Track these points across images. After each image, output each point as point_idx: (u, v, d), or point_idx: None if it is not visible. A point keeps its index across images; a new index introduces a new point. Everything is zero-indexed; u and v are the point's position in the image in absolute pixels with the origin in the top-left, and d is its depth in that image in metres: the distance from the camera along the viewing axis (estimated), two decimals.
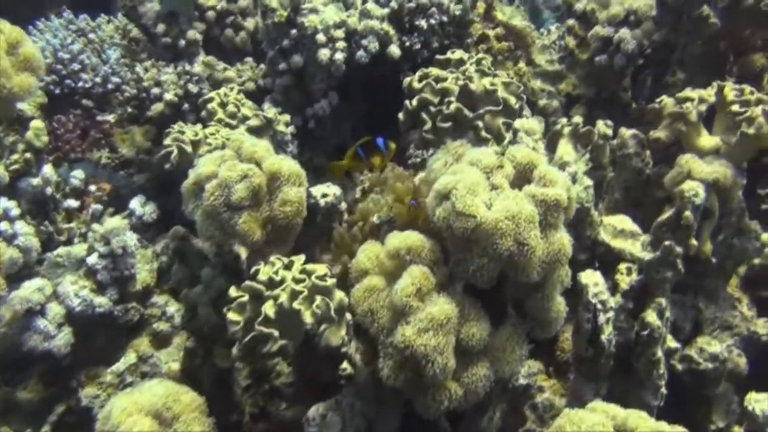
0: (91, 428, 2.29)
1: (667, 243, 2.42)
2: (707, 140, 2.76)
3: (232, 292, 2.17)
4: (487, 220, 1.99)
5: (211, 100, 3.07)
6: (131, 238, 2.95)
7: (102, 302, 2.88)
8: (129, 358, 2.97)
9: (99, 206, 3.11)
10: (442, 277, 2.12)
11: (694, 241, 2.56)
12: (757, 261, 2.94)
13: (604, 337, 2.37)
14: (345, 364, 2.51)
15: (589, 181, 2.58)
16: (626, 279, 2.55)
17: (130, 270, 2.99)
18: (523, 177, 2.17)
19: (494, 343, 2.12)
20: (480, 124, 2.63)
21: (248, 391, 2.92)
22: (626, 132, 2.93)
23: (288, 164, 2.31)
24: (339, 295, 2.19)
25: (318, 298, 2.12)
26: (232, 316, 2.13)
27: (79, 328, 2.87)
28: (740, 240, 2.78)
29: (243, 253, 2.58)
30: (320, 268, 2.19)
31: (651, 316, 2.40)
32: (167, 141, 2.84)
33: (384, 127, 3.31)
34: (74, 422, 2.93)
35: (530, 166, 2.15)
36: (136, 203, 3.28)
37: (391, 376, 2.09)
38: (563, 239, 2.09)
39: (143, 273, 3.12)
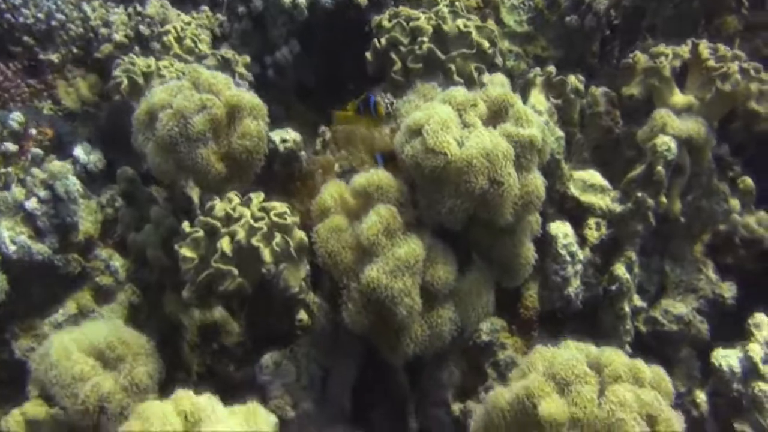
0: (25, 383, 2.19)
1: (639, 194, 2.42)
2: (680, 98, 2.77)
3: (186, 227, 2.09)
4: (460, 157, 1.95)
5: (166, 33, 2.96)
6: (74, 183, 2.83)
7: (41, 249, 2.75)
8: (68, 309, 2.84)
9: (39, 151, 2.97)
10: (410, 218, 2.08)
11: (664, 199, 2.56)
12: (722, 227, 2.96)
13: (571, 290, 2.36)
14: (302, 314, 2.45)
15: (560, 132, 2.56)
16: (595, 234, 2.53)
17: (72, 217, 2.86)
18: (497, 116, 2.15)
19: (461, 288, 2.10)
20: (452, 66, 2.59)
21: (196, 350, 2.85)
22: (597, 90, 2.92)
23: (248, 96, 2.24)
24: (299, 234, 2.14)
25: (277, 236, 2.06)
26: (185, 252, 2.06)
27: (14, 276, 2.74)
28: (709, 201, 2.80)
29: (195, 194, 2.50)
30: (280, 206, 2.13)
31: (620, 270, 2.40)
32: (117, 72, 2.72)
33: (349, 79, 3.27)
34: (6, 377, 2.80)
35: (505, 105, 2.12)
36: (80, 151, 3.14)
37: (354, 320, 2.04)
38: (537, 181, 2.07)
39: (87, 223, 2.98)
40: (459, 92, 2.14)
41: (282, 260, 2.07)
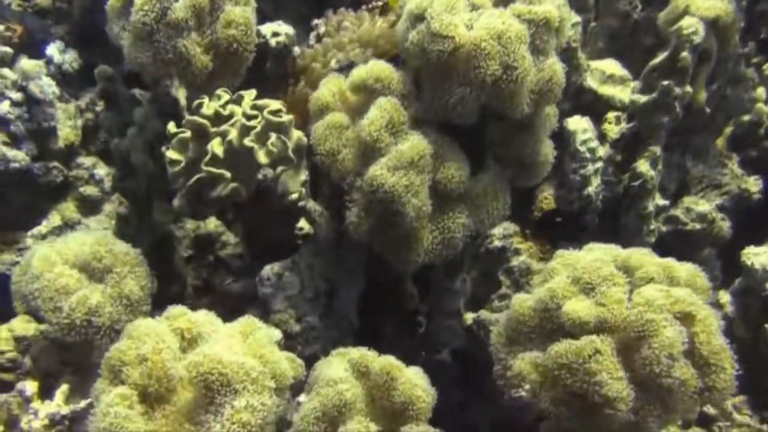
0: (8, 298, 2.09)
1: (665, 83, 2.26)
2: None
3: (171, 128, 1.94)
4: (468, 41, 1.80)
5: None
6: (49, 84, 2.67)
7: (17, 156, 2.61)
8: (52, 220, 2.73)
9: (8, 49, 2.79)
10: (415, 112, 1.94)
11: (689, 88, 2.40)
12: (746, 118, 2.81)
13: (591, 190, 2.24)
14: (302, 223, 2.33)
15: (576, 17, 2.38)
16: (615, 128, 2.40)
17: (49, 122, 2.72)
18: None
19: (475, 189, 1.98)
20: None
21: (191, 263, 2.75)
22: None
23: None
24: (297, 134, 2.00)
25: (273, 136, 1.91)
26: (171, 154, 1.92)
27: None
28: (735, 90, 2.65)
29: (182, 94, 2.34)
30: (273, 103, 1.98)
31: (644, 166, 2.27)
32: None
33: None
34: None
35: None
36: (53, 50, 2.96)
37: (358, 225, 1.93)
38: (556, 66, 1.92)
39: (66, 129, 2.84)
40: None
41: (279, 162, 1.93)
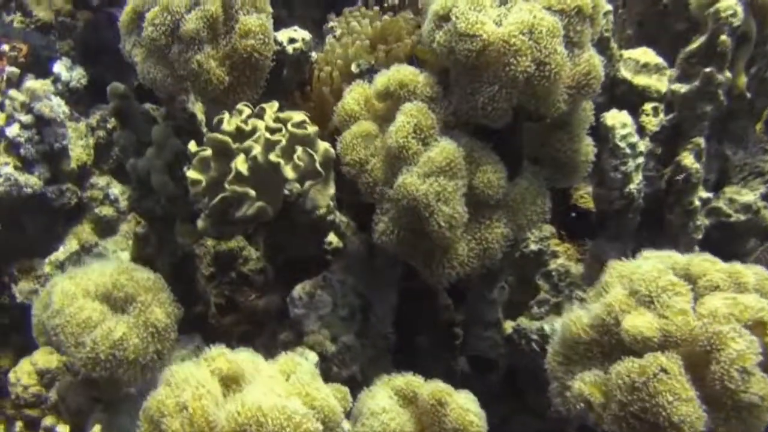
0: (29, 328, 2.03)
1: (707, 70, 2.16)
2: None
3: (192, 147, 1.86)
4: (497, 38, 1.71)
5: None
6: (58, 104, 2.60)
7: (30, 181, 2.55)
8: (70, 246, 2.67)
9: (15, 69, 2.72)
10: (444, 115, 1.85)
11: (728, 73, 2.29)
12: None
13: (633, 187, 2.14)
14: (331, 236, 2.25)
15: (608, 5, 2.28)
16: (653, 120, 2.30)
17: (60, 142, 2.65)
18: None
19: (512, 195, 1.88)
20: None
21: (213, 281, 2.69)
22: None
23: None
24: (323, 145, 1.91)
25: (299, 149, 1.83)
26: (193, 174, 1.84)
27: (5, 214, 2.55)
28: None
29: (198, 110, 2.27)
30: (297, 115, 1.89)
31: (688, 159, 2.17)
32: None
33: None
34: (9, 322, 2.65)
35: None
36: (60, 67, 2.89)
37: (389, 238, 1.84)
38: (593, 59, 1.83)
39: (78, 149, 2.78)
40: None
41: (307, 176, 1.85)
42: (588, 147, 1.94)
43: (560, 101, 1.79)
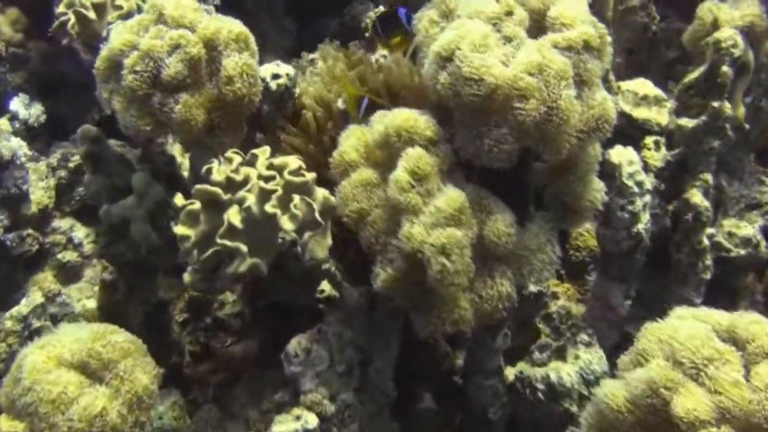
0: None
1: (716, 105, 2.13)
2: None
3: (179, 200, 1.75)
4: (505, 80, 1.63)
5: None
6: (20, 146, 2.47)
7: None
8: (33, 297, 2.52)
9: None
10: (447, 158, 1.77)
11: (727, 105, 2.27)
12: None
13: (641, 227, 2.09)
14: (324, 285, 2.16)
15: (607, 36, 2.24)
16: (655, 155, 2.26)
17: (20, 187, 2.52)
18: (540, 26, 1.82)
19: (520, 243, 1.80)
20: None
21: (186, 327, 2.58)
22: None
23: (230, 24, 1.88)
24: (321, 192, 1.82)
25: (296, 199, 1.73)
26: (181, 230, 1.72)
27: None
28: None
29: (178, 151, 2.16)
30: (292, 161, 1.80)
31: (696, 197, 2.13)
32: (60, 8, 2.30)
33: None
34: None
35: (546, 8, 1.80)
36: (18, 104, 2.76)
37: (391, 289, 1.75)
38: (606, 102, 1.76)
39: (38, 192, 2.65)
40: (485, 3, 1.81)
41: (305, 227, 1.75)
42: (597, 189, 1.88)
43: (569, 145, 1.72)
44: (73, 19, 2.29)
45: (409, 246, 1.66)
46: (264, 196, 1.71)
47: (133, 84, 1.76)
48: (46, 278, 2.68)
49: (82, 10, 2.29)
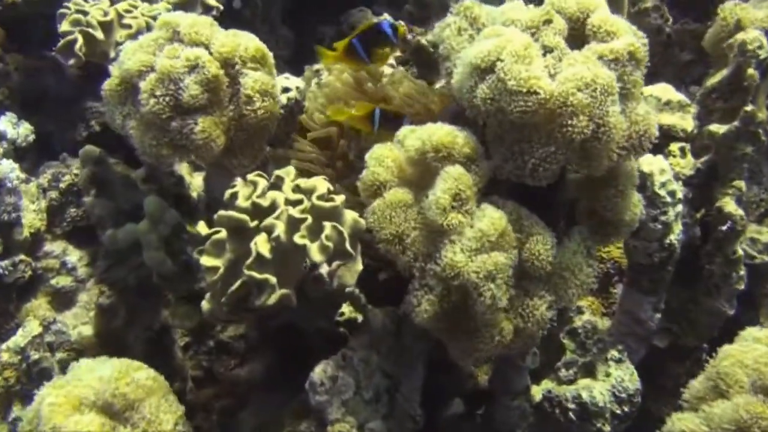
0: None
1: (748, 109, 2.09)
2: None
3: (202, 228, 1.67)
4: (554, 95, 1.58)
5: None
6: (11, 168, 2.37)
7: None
8: (30, 328, 2.40)
9: None
10: (484, 177, 1.71)
11: (750, 107, 2.24)
12: None
13: (674, 238, 2.05)
14: (345, 308, 2.09)
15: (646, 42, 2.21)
16: (681, 162, 2.22)
17: (11, 213, 2.42)
18: (578, 34, 1.77)
19: (559, 263, 1.75)
20: None
21: (188, 351, 2.50)
22: None
23: (246, 40, 1.82)
24: (350, 216, 1.74)
25: (327, 227, 1.66)
26: (207, 261, 1.65)
27: None
28: None
29: (186, 171, 2.08)
30: (320, 184, 1.72)
31: (730, 205, 2.10)
32: (64, 26, 2.17)
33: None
34: None
35: (585, 15, 1.75)
36: (6, 124, 2.64)
37: (430, 317, 1.70)
38: (649, 117, 1.72)
39: (29, 215, 2.54)
40: (521, 9, 1.77)
41: (336, 256, 1.68)
42: (637, 202, 1.83)
43: (612, 161, 1.68)
44: (80, 39, 2.17)
45: (452, 273, 1.61)
46: (293, 224, 1.64)
47: (155, 109, 1.68)
48: (41, 305, 2.57)
49: (90, 30, 2.17)
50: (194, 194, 2.12)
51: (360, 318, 2.07)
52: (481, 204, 1.68)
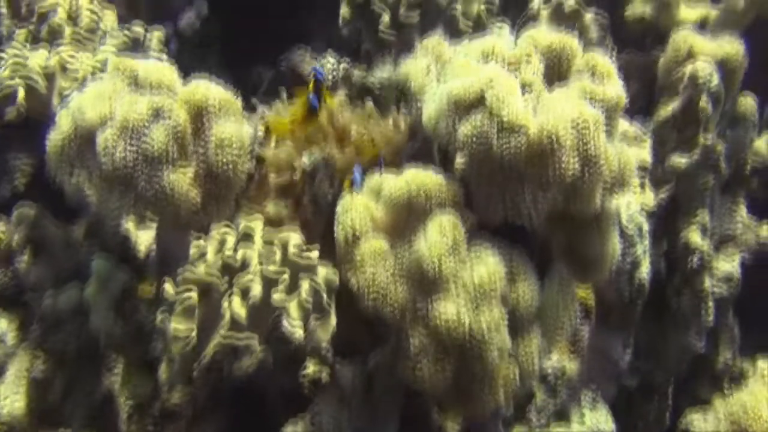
0: None
1: (708, 143, 2.13)
2: (690, 12, 2.51)
3: (169, 289, 1.56)
4: (542, 132, 1.56)
5: (54, 9, 2.18)
6: None
7: None
8: None
9: None
10: (470, 223, 1.68)
11: (702, 139, 2.28)
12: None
13: (644, 273, 2.05)
14: (311, 365, 2.00)
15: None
16: (643, 196, 2.24)
17: None
18: (553, 72, 1.76)
19: (544, 303, 1.74)
20: (457, 9, 2.14)
21: (131, 420, 2.36)
22: (586, 14, 2.58)
23: (215, 89, 1.72)
24: (323, 271, 1.66)
25: (304, 284, 1.58)
26: (178, 324, 1.54)
27: None
28: (734, 130, 2.55)
29: (133, 228, 1.97)
30: (293, 237, 1.65)
31: (694, 236, 2.12)
32: (4, 74, 2.00)
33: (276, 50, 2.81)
34: None
35: (567, 54, 1.76)
36: None
37: (430, 377, 1.64)
38: (626, 151, 1.73)
39: None
40: (499, 43, 1.75)
41: (311, 314, 1.61)
42: (615, 241, 1.83)
43: (598, 198, 1.67)
44: (20, 91, 1.98)
45: (448, 327, 1.58)
46: (269, 282, 1.56)
47: (118, 165, 1.55)
48: None
49: (32, 83, 2.00)
50: (142, 250, 2.00)
51: (325, 373, 1.98)
52: (473, 247, 1.64)
